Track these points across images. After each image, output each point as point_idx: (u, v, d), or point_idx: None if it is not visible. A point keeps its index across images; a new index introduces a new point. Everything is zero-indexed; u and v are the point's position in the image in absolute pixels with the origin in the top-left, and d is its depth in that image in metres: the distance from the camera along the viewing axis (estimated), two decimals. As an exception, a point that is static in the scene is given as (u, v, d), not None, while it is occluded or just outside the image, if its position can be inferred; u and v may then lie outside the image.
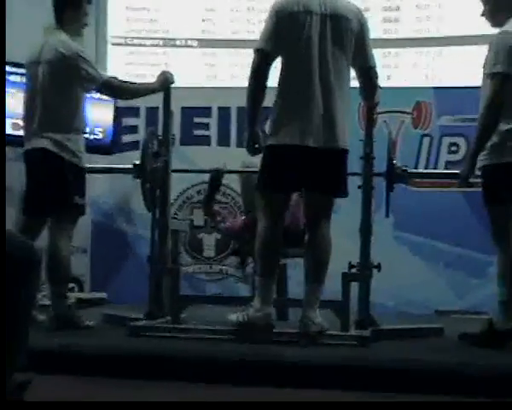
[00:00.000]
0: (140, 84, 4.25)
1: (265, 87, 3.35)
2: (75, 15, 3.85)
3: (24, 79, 4.04)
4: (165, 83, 3.98)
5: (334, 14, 3.36)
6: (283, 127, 3.34)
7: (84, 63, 3.77)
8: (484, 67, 3.52)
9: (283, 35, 3.35)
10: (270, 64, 3.36)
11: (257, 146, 3.40)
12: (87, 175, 3.91)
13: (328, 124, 3.34)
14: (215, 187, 4.41)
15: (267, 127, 3.43)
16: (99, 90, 3.97)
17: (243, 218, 4.18)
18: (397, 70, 5.58)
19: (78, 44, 3.87)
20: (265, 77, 3.33)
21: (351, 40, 3.39)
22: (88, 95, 4.06)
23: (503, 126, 3.45)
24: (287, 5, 3.36)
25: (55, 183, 3.74)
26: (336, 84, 3.36)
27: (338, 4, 3.39)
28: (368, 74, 3.48)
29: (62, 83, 3.76)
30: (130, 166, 3.93)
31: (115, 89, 3.95)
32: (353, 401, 2.72)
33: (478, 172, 3.55)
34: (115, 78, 4.08)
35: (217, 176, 4.35)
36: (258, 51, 3.34)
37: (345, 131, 3.41)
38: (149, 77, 5.21)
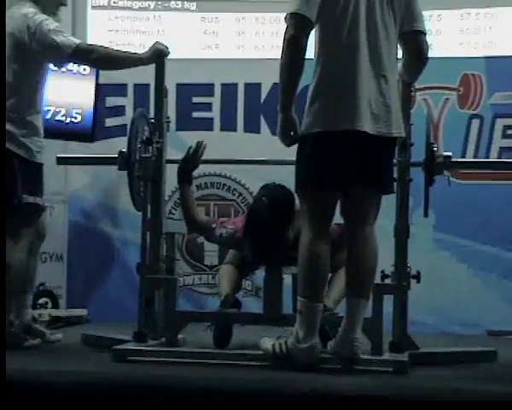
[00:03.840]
0: (127, 52, 4.23)
1: (304, 60, 3.35)
2: None
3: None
4: (158, 54, 3.99)
5: None
6: (328, 109, 3.35)
7: (49, 32, 3.82)
8: None
9: None
10: (309, 32, 3.36)
11: (293, 134, 3.40)
12: (64, 167, 3.92)
13: (381, 106, 3.35)
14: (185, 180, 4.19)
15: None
16: (73, 58, 4.00)
17: (241, 217, 4.15)
18: (439, 37, 5.57)
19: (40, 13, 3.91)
20: (305, 48, 3.34)
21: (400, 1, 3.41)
22: (63, 69, 4.06)
23: None
24: None
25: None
26: (387, 56, 3.39)
27: None
28: (416, 41, 3.48)
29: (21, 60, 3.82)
30: (115, 155, 3.94)
31: (93, 54, 3.97)
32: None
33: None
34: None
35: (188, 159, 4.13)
36: (295, 16, 3.33)
37: (398, 113, 3.44)
38: (138, 47, 5.25)
